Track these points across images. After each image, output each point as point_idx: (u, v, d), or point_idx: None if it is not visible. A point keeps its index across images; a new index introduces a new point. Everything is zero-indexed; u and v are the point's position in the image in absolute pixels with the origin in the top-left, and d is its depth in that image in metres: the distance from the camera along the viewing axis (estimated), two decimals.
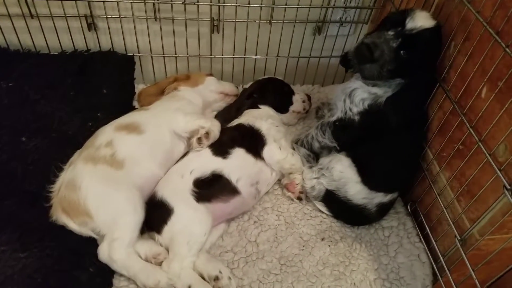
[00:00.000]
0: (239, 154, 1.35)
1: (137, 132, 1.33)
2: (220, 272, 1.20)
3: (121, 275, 1.21)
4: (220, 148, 1.35)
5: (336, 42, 1.82)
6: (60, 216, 1.21)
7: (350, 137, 1.39)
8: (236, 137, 1.40)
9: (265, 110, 1.56)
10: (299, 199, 1.43)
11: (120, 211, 1.21)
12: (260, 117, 1.48)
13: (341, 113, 1.38)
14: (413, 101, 1.28)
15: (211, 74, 1.65)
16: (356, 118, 1.34)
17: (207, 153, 1.35)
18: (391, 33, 1.20)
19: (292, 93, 1.67)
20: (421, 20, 1.18)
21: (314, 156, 1.48)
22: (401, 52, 1.20)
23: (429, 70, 1.27)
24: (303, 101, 1.68)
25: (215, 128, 1.37)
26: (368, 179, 1.33)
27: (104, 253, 1.18)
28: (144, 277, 1.17)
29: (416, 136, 1.36)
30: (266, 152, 1.39)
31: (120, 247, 1.18)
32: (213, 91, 1.61)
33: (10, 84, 1.47)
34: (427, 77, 1.27)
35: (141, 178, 1.29)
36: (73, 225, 1.21)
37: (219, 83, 1.64)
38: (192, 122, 1.37)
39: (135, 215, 1.22)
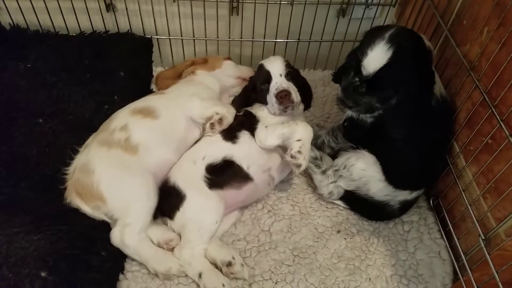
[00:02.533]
0: (245, 139, 1.31)
1: (152, 116, 1.31)
2: (233, 258, 1.19)
3: (133, 259, 1.21)
4: (230, 133, 1.32)
5: (361, 26, 1.74)
6: (74, 199, 1.22)
7: (361, 136, 1.33)
8: (243, 121, 1.36)
9: None
10: (298, 166, 1.23)
11: (133, 197, 1.20)
12: (260, 105, 1.40)
13: (354, 113, 1.31)
14: (413, 107, 1.18)
15: (229, 58, 1.60)
16: (369, 120, 1.27)
17: (218, 138, 1.32)
18: (357, 79, 1.15)
19: (267, 81, 1.36)
20: (372, 64, 1.10)
21: (321, 157, 1.42)
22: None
23: (419, 76, 1.14)
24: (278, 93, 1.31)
25: (229, 114, 1.34)
26: (393, 178, 1.27)
27: (116, 237, 1.18)
28: (156, 263, 1.17)
29: (443, 130, 1.29)
30: (256, 136, 1.31)
31: (133, 233, 1.17)
32: (231, 76, 1.56)
33: (28, 65, 1.47)
34: (421, 81, 1.16)
35: (155, 164, 1.28)
36: (86, 208, 1.21)
37: (237, 68, 1.59)
38: (208, 108, 1.33)
39: (148, 201, 1.21)
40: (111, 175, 1.22)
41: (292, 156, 1.22)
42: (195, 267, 1.18)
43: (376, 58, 1.09)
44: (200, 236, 1.20)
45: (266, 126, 1.30)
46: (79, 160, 1.27)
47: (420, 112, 1.18)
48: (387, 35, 1.09)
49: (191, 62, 1.57)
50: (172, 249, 1.22)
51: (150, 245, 1.21)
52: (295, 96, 1.32)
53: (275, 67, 1.35)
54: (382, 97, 1.16)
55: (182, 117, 1.34)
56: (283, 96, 1.30)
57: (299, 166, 1.22)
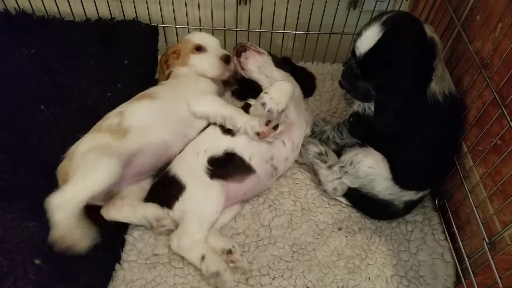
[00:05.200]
0: None
1: (150, 97, 1.30)
2: (233, 246, 1.19)
3: (130, 249, 1.21)
4: None
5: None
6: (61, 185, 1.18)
7: (366, 132, 1.30)
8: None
9: None
10: (263, 104, 1.20)
11: (89, 168, 1.12)
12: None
13: (359, 108, 1.29)
14: (399, 95, 1.13)
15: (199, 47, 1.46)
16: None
17: (217, 132, 1.30)
18: (353, 61, 1.14)
19: None
20: (362, 45, 1.08)
21: (326, 152, 1.38)
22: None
23: (411, 64, 1.09)
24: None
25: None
26: (400, 177, 1.24)
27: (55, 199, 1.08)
28: None
29: (452, 129, 1.25)
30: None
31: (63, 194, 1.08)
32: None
33: (32, 51, 1.46)
34: (414, 70, 1.10)
35: (148, 145, 1.24)
36: None
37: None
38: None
39: (102, 173, 1.12)
40: (82, 156, 1.16)
41: (261, 98, 1.21)
42: (197, 251, 1.16)
43: (367, 38, 1.07)
44: (200, 226, 1.19)
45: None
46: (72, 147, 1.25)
47: (410, 105, 1.13)
48: (384, 17, 1.07)
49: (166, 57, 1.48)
50: (161, 227, 1.20)
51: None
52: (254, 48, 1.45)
53: None
54: (375, 83, 1.13)
55: (184, 105, 1.32)
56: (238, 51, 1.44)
57: (264, 104, 1.20)
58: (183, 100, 1.32)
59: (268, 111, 1.19)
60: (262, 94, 1.21)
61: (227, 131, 1.28)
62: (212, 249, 1.19)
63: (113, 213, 1.21)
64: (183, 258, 1.20)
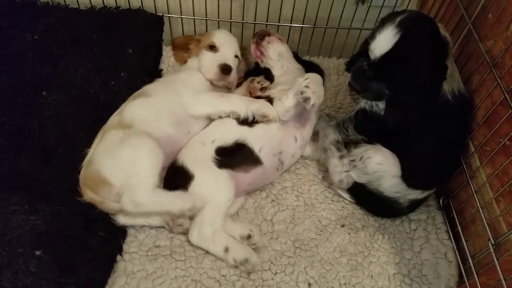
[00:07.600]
0: None
1: (143, 96, 1.31)
2: (251, 230, 1.19)
3: (131, 240, 1.20)
4: None
5: (380, 14, 1.66)
6: (89, 194, 1.17)
7: (373, 129, 1.28)
8: None
9: None
10: (306, 99, 1.19)
11: (133, 157, 1.14)
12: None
13: (366, 105, 1.28)
14: (414, 95, 1.11)
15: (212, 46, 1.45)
16: (382, 113, 1.22)
17: (231, 122, 1.29)
18: (365, 63, 1.12)
19: None
20: (378, 48, 1.06)
21: (343, 142, 1.37)
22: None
23: (428, 64, 1.08)
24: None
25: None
26: (407, 176, 1.22)
27: (127, 204, 1.11)
28: (180, 202, 1.15)
29: (460, 129, 1.23)
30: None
31: (144, 190, 1.12)
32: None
33: (35, 37, 1.44)
34: (430, 70, 1.08)
35: (154, 134, 1.22)
36: (99, 199, 1.16)
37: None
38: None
39: (151, 156, 1.15)
40: (105, 153, 1.17)
41: (301, 93, 1.18)
42: (219, 243, 1.17)
43: (383, 41, 1.05)
44: (216, 214, 1.18)
45: (279, 99, 1.28)
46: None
47: (423, 103, 1.12)
48: (398, 19, 1.05)
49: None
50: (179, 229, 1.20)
51: (166, 192, 1.16)
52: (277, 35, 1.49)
53: None
54: (389, 83, 1.11)
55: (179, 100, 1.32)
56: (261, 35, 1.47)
57: (307, 99, 1.18)
58: (177, 97, 1.31)
59: (312, 105, 1.19)
60: (303, 88, 1.18)
61: (244, 122, 1.28)
62: (231, 236, 1.20)
63: (123, 219, 1.20)
64: (184, 252, 1.20)
